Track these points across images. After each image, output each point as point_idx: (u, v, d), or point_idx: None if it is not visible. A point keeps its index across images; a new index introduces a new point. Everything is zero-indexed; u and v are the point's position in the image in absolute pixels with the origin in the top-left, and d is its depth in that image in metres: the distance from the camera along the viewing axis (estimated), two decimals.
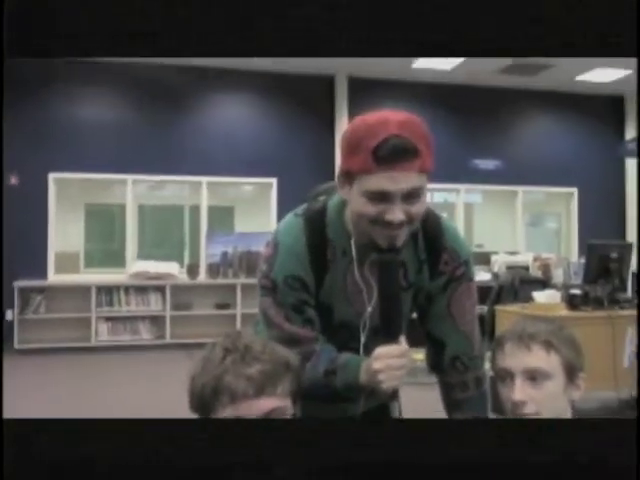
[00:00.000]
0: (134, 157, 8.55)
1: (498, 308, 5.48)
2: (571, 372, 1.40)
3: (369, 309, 1.48)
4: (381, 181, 1.30)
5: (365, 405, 1.49)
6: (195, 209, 9.40)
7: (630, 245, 5.78)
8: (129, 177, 8.62)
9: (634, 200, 10.33)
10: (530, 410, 1.35)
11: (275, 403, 1.15)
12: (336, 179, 1.43)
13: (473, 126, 9.63)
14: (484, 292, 6.76)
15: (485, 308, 6.34)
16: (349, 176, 1.36)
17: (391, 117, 1.32)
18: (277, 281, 1.47)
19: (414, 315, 1.64)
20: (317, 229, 1.49)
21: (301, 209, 1.54)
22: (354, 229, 1.45)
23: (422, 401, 1.85)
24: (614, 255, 5.08)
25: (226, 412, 1.14)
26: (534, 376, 1.37)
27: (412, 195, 1.33)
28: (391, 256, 1.38)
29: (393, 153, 1.29)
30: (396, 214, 1.33)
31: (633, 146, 7.62)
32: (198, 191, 9.00)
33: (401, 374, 1.35)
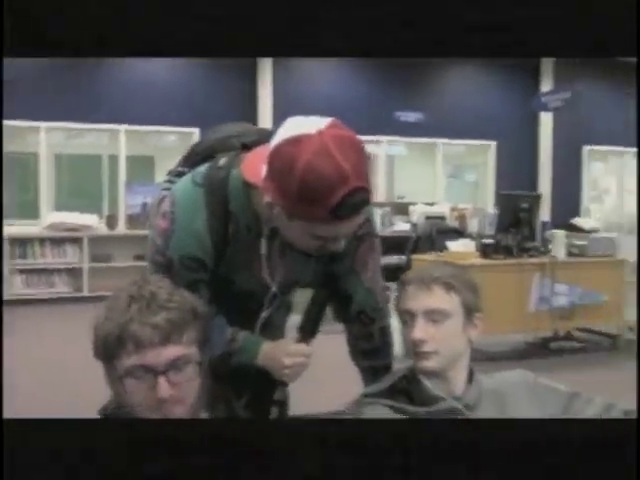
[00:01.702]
0: (48, 104, 8.17)
1: (415, 257, 5.63)
2: (469, 312, 1.46)
3: (274, 287, 1.50)
4: (336, 229, 1.27)
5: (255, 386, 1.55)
6: (114, 158, 9.13)
7: (539, 196, 6.03)
8: (42, 124, 8.25)
9: (547, 152, 10.74)
10: (430, 348, 1.41)
11: (181, 351, 1.15)
12: (264, 202, 1.30)
13: (395, 78, 9.67)
14: (403, 242, 6.93)
15: (404, 258, 6.51)
16: (292, 214, 1.26)
17: (345, 165, 1.19)
18: (173, 260, 1.40)
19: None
20: (219, 203, 1.40)
21: (200, 176, 1.42)
22: (269, 219, 1.37)
23: (329, 349, 1.90)
24: (524, 205, 5.29)
25: (131, 360, 1.13)
26: (434, 316, 1.42)
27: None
28: (325, 297, 1.56)
29: (354, 210, 1.23)
30: (340, 245, 1.34)
31: (546, 99, 7.88)
32: (117, 140, 8.72)
33: (302, 372, 1.50)
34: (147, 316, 1.13)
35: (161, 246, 1.42)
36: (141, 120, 8.65)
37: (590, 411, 1.41)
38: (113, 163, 9.24)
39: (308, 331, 1.53)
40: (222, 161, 1.44)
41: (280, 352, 1.48)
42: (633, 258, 5.89)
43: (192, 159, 1.58)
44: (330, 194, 1.18)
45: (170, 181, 1.59)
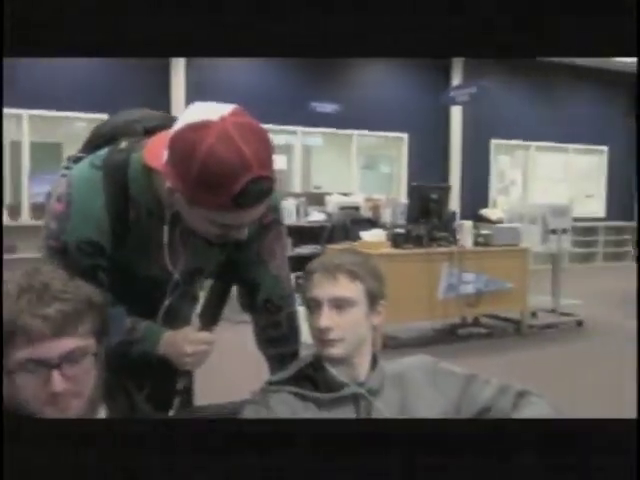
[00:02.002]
0: None
1: (329, 247, 5.69)
2: (373, 300, 1.48)
3: (176, 275, 1.47)
4: (238, 217, 1.25)
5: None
6: (16, 145, 8.70)
7: (448, 187, 6.21)
8: None
9: (457, 146, 11.08)
10: (335, 336, 1.42)
11: (76, 343, 1.11)
12: (165, 187, 1.27)
13: (310, 69, 9.70)
14: (318, 232, 6.98)
15: (319, 247, 6.56)
16: (192, 201, 1.23)
17: (248, 152, 1.17)
18: (68, 245, 1.35)
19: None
20: (118, 186, 1.36)
21: (99, 159, 1.38)
22: (171, 204, 1.34)
23: (236, 338, 1.90)
24: (434, 196, 5.45)
25: (22, 354, 1.08)
26: (339, 304, 1.43)
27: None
28: (226, 284, 1.58)
29: (256, 199, 1.22)
30: (244, 234, 1.33)
31: (454, 93, 8.12)
32: (20, 125, 8.32)
33: (205, 359, 1.49)
34: (38, 307, 1.09)
35: (55, 230, 1.37)
36: (48, 106, 8.29)
37: (486, 392, 1.47)
38: (16, 150, 8.82)
39: (209, 318, 1.52)
40: (122, 144, 1.41)
41: (181, 340, 1.46)
42: (535, 247, 6.18)
43: (93, 144, 1.54)
44: (232, 181, 1.17)
45: (68, 167, 1.54)
